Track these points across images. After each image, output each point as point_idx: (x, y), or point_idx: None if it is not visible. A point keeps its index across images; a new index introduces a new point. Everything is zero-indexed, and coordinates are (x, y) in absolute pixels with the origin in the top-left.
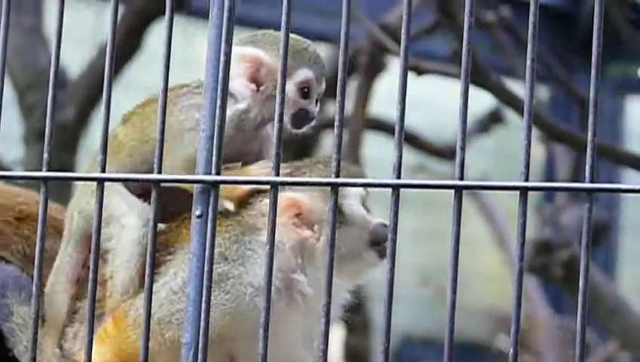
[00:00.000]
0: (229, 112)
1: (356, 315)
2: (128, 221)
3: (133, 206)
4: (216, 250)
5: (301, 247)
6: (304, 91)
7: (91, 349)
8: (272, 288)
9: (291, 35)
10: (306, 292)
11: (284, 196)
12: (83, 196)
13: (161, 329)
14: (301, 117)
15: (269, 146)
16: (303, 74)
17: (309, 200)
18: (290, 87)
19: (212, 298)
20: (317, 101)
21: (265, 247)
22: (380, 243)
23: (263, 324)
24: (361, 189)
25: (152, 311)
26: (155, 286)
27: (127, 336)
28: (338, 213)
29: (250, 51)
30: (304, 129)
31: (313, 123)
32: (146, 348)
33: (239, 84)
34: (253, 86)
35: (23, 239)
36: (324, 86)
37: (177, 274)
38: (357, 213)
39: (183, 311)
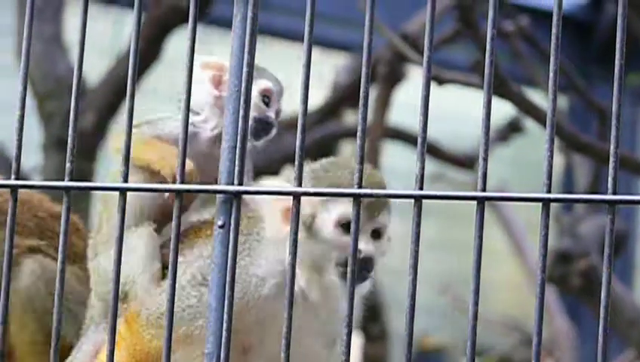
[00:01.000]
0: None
1: (374, 324)
2: (134, 246)
3: (131, 235)
4: None
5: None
6: (264, 100)
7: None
8: (274, 281)
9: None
10: (301, 283)
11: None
12: (98, 283)
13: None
14: (262, 125)
15: None
16: (264, 83)
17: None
18: (254, 93)
19: None
20: (276, 115)
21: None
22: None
23: (285, 328)
24: (347, 210)
25: (163, 309)
26: (165, 284)
27: (141, 336)
28: (306, 227)
29: (213, 59)
30: (262, 141)
31: (272, 134)
32: (169, 346)
33: (200, 90)
34: (216, 92)
35: (56, 236)
36: (281, 106)
37: (187, 271)
38: (326, 231)
39: (195, 307)
